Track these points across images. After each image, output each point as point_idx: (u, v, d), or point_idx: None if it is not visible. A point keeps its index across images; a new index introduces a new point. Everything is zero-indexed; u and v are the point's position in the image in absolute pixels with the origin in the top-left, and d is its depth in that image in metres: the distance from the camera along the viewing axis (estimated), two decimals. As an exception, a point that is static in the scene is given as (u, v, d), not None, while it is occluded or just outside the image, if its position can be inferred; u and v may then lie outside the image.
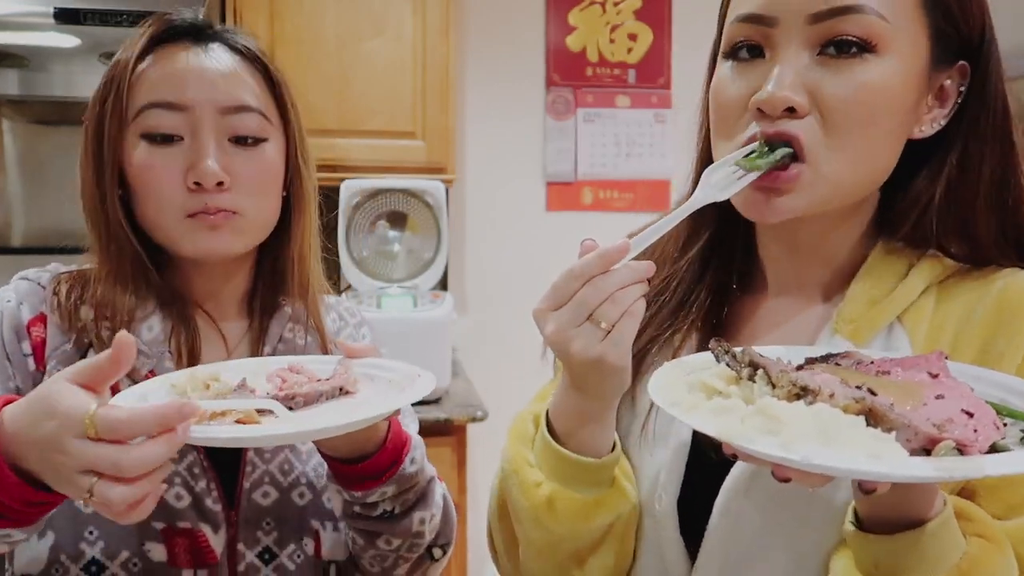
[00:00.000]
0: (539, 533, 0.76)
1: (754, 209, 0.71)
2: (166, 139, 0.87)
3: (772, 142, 0.68)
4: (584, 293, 0.66)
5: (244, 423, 0.68)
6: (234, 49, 0.92)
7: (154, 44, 0.90)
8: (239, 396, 0.73)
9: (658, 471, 0.77)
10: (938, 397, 0.55)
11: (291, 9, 2.28)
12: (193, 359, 0.91)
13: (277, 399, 0.73)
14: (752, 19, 0.71)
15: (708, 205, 0.72)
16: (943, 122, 0.73)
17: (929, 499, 0.59)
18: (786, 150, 0.68)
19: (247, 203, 0.89)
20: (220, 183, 0.86)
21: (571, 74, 2.77)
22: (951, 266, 0.75)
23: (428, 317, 2.18)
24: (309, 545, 0.91)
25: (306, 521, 0.91)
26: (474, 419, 2.16)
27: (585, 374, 0.69)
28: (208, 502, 0.86)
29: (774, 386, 0.56)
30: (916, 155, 0.74)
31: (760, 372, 0.58)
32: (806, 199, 0.70)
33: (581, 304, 0.66)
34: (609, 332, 0.66)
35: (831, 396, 0.53)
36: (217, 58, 0.90)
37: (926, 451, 0.52)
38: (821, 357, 0.66)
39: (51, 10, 2.02)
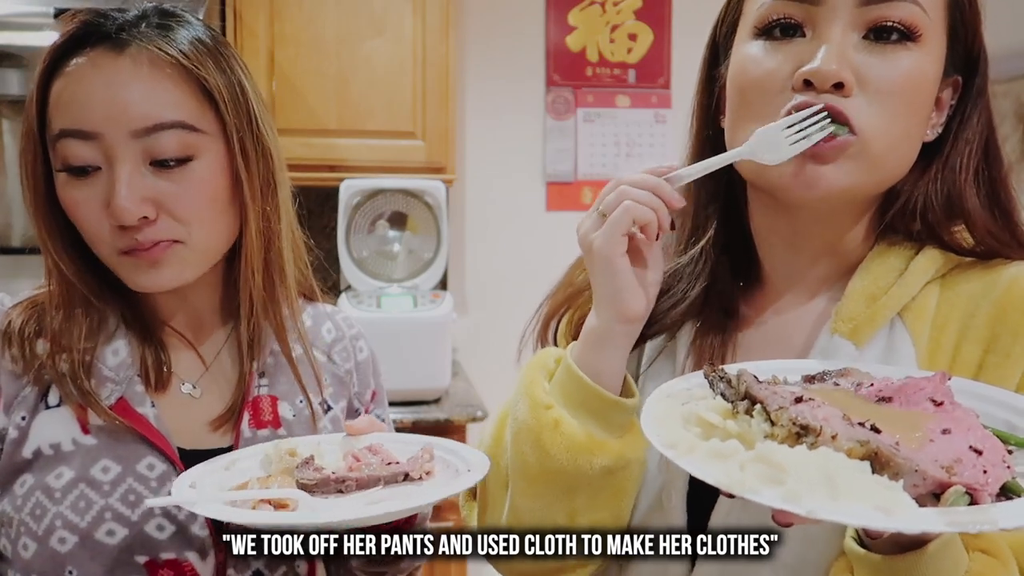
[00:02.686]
0: (537, 456, 0.74)
1: (799, 181, 0.70)
2: (82, 171, 0.79)
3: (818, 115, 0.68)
4: (605, 188, 0.74)
5: (277, 505, 0.74)
6: (153, 53, 0.80)
7: (68, 53, 0.80)
8: (302, 471, 0.77)
9: (668, 464, 0.76)
10: (944, 431, 0.53)
11: (291, 9, 2.28)
12: (163, 381, 0.87)
13: (329, 481, 0.76)
14: None
15: (712, 200, 0.78)
16: (939, 130, 0.75)
17: None
18: (838, 125, 0.67)
19: (183, 229, 0.81)
20: (145, 217, 0.78)
21: (571, 74, 2.77)
22: (954, 259, 0.75)
23: (428, 317, 2.18)
24: (302, 567, 0.88)
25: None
26: (474, 419, 2.16)
27: (588, 268, 0.74)
28: (194, 528, 0.82)
29: (772, 423, 0.54)
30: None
31: (758, 407, 0.56)
32: (851, 174, 0.69)
33: (599, 196, 0.74)
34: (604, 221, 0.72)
35: (834, 438, 0.51)
36: (129, 69, 0.79)
37: (935, 495, 0.50)
38: (818, 375, 0.65)
39: (51, 10, 2.02)
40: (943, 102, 0.75)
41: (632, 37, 2.79)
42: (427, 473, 0.79)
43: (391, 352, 2.10)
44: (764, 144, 0.69)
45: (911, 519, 0.47)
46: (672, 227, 0.74)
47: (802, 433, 0.52)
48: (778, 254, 0.80)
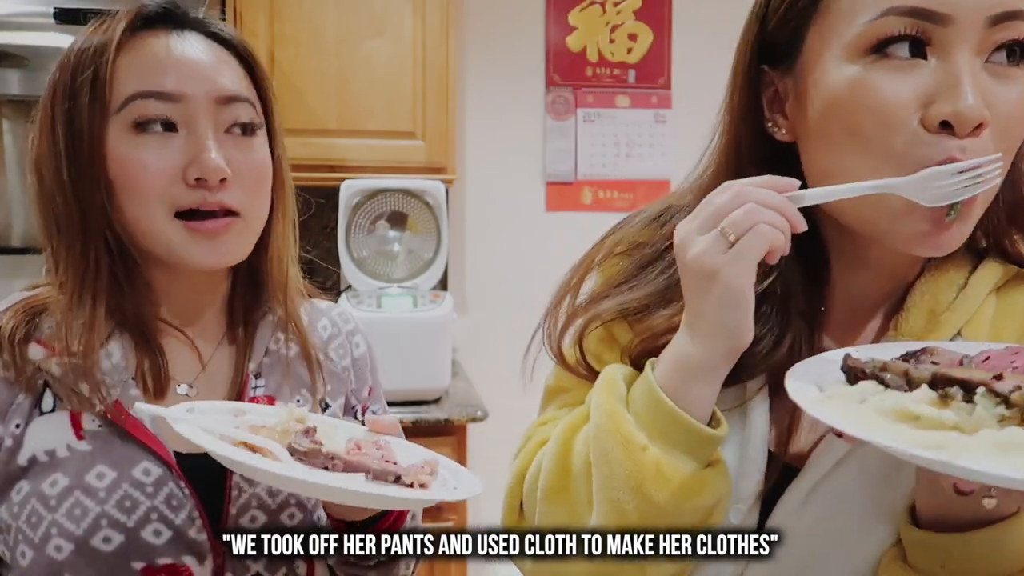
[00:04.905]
0: (637, 503, 0.66)
1: (929, 243, 0.64)
2: (165, 128, 0.81)
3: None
4: (722, 199, 0.63)
5: (255, 451, 0.72)
6: (215, 38, 0.86)
7: (129, 32, 0.83)
8: (298, 437, 0.76)
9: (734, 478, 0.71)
10: None
11: (291, 9, 2.28)
12: (160, 385, 0.86)
13: (319, 454, 0.74)
14: (919, 14, 0.61)
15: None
16: None
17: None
18: (993, 156, 0.61)
19: (246, 201, 0.84)
20: (223, 180, 0.81)
21: (571, 74, 2.77)
22: (1012, 270, 0.72)
23: (428, 317, 2.18)
24: (301, 567, 0.88)
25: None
26: (474, 419, 2.16)
27: (697, 292, 0.64)
28: (191, 532, 0.82)
29: (1010, 405, 0.48)
30: None
31: (980, 391, 0.50)
32: (973, 223, 0.64)
33: (717, 209, 0.63)
34: (732, 245, 0.61)
35: None
36: (205, 46, 0.85)
37: None
38: (902, 357, 0.60)
39: (51, 10, 2.02)
40: None
41: (632, 37, 2.79)
42: (421, 484, 0.76)
43: (391, 352, 2.10)
44: (927, 184, 0.61)
45: None
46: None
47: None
48: (850, 273, 0.74)
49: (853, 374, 0.57)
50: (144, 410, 0.73)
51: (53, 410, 0.82)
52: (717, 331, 0.64)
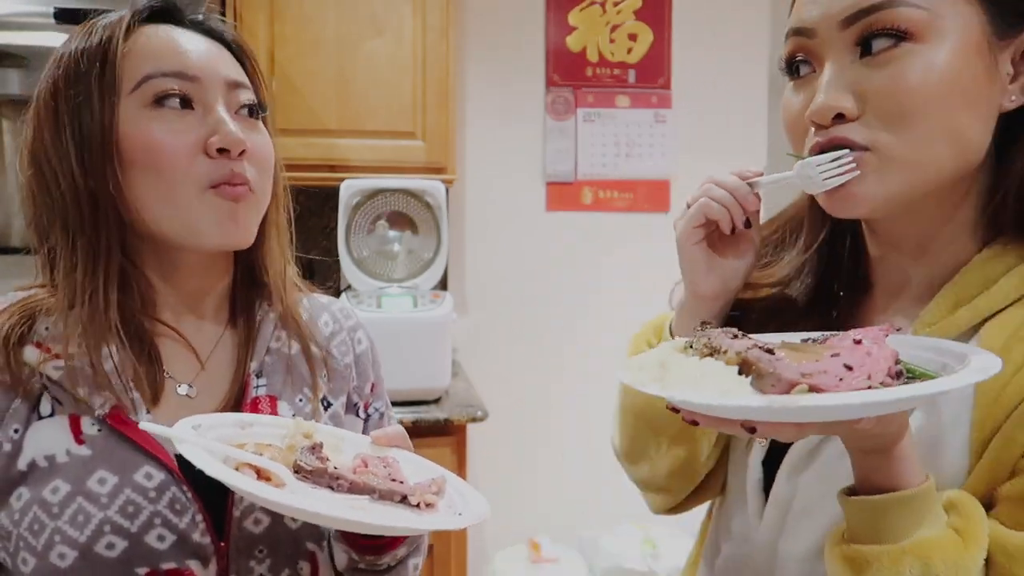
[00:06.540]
0: (630, 397, 0.89)
1: (836, 206, 0.72)
2: (183, 104, 0.81)
3: (825, 150, 0.71)
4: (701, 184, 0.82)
5: (260, 475, 0.73)
6: (213, 35, 0.88)
7: (132, 25, 0.84)
8: (304, 455, 0.77)
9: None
10: (834, 355, 0.59)
11: (291, 9, 2.28)
12: (157, 388, 0.84)
13: (324, 473, 0.75)
14: (796, 32, 0.73)
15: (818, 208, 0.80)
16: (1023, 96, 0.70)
17: (910, 471, 0.63)
18: (841, 151, 0.69)
19: (258, 177, 0.85)
20: (242, 152, 0.82)
21: (571, 74, 2.77)
22: None
23: (428, 317, 2.18)
24: (305, 568, 0.87)
25: (301, 544, 0.87)
26: (474, 419, 2.16)
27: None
28: (195, 536, 0.81)
29: (714, 352, 0.63)
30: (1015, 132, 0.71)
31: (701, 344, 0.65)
32: (882, 183, 0.69)
33: (696, 191, 0.82)
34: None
35: (724, 352, 0.61)
36: (201, 41, 0.86)
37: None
38: (813, 339, 0.69)
39: (51, 10, 2.02)
40: (1020, 64, 0.69)
41: (632, 37, 2.79)
42: (428, 504, 0.76)
43: (391, 352, 2.09)
44: (804, 175, 0.72)
45: (739, 399, 0.56)
46: (747, 225, 0.81)
47: (712, 352, 0.62)
48: (884, 259, 0.80)
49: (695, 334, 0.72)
50: (150, 429, 0.72)
51: (52, 414, 0.81)
52: (683, 277, 0.83)
